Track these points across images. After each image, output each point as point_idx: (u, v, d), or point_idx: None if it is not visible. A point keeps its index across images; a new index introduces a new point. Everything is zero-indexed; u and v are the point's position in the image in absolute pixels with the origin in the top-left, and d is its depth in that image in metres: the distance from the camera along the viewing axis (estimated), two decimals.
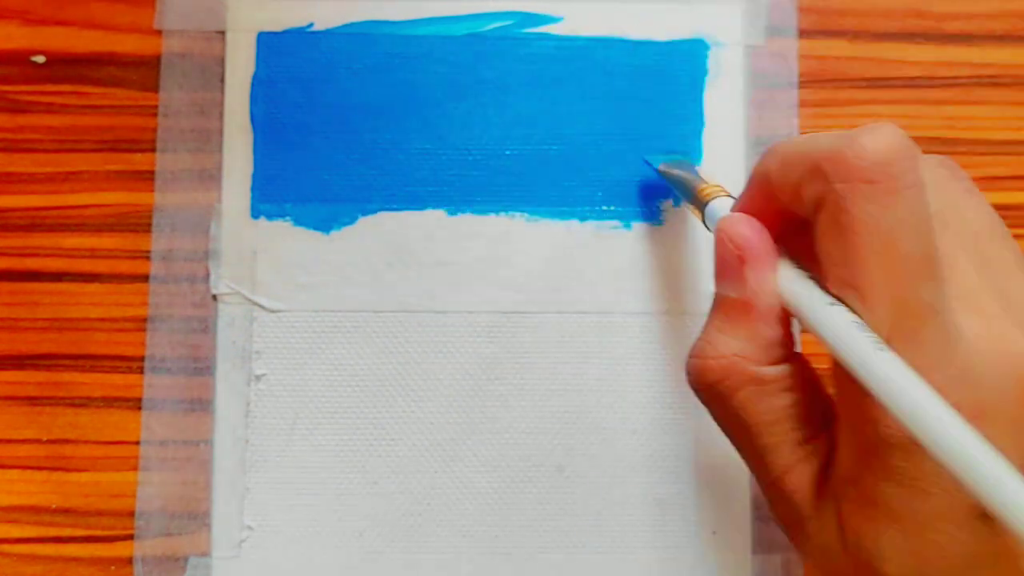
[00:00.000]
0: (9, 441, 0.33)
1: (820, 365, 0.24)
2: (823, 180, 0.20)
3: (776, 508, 0.23)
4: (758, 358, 0.22)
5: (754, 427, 0.22)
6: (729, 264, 0.22)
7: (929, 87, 0.35)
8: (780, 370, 0.22)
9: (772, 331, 0.22)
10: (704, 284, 0.34)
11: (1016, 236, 0.35)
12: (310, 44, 0.34)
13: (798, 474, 0.22)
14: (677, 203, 0.34)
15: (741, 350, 0.22)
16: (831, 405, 0.23)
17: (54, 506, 0.33)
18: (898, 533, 0.20)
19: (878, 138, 0.20)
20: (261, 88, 0.34)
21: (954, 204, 0.23)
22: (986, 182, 0.35)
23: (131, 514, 0.33)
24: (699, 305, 0.34)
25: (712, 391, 0.23)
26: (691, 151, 0.34)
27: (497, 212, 0.34)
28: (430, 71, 0.34)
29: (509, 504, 0.33)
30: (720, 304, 0.23)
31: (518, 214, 0.34)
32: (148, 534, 0.33)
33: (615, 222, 0.34)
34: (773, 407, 0.22)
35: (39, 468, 0.33)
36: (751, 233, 0.22)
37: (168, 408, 0.33)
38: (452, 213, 0.34)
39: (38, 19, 0.35)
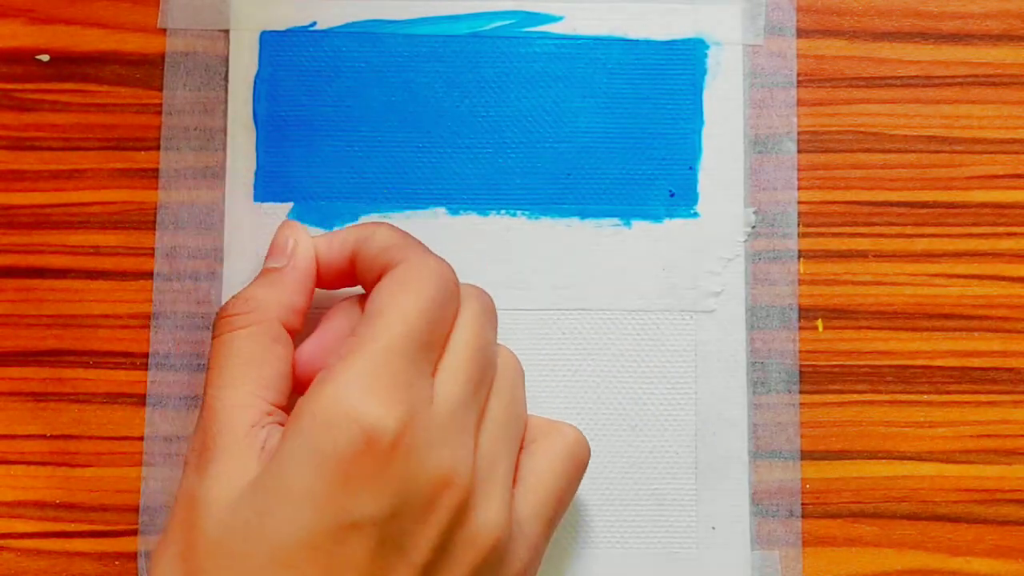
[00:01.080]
0: (14, 437, 0.34)
1: None
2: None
3: (204, 433, 0.26)
4: (279, 313, 0.28)
5: (234, 360, 0.26)
6: (281, 247, 0.29)
7: (927, 86, 0.35)
8: (283, 333, 0.28)
9: (297, 299, 0.28)
10: (704, 281, 0.34)
11: (1012, 235, 0.35)
12: (313, 43, 0.35)
13: (238, 414, 0.25)
14: (677, 200, 0.35)
15: (269, 298, 0.28)
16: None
17: (58, 501, 0.33)
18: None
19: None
20: (264, 86, 0.34)
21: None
22: (983, 180, 0.35)
23: (135, 509, 0.33)
24: (699, 303, 0.34)
25: (226, 322, 0.27)
26: (690, 149, 0.35)
27: (498, 211, 0.34)
28: (431, 70, 0.35)
29: None
30: (265, 272, 0.29)
31: (519, 212, 0.34)
32: (152, 529, 0.33)
33: (615, 220, 0.34)
34: (260, 354, 0.27)
35: (43, 464, 0.34)
36: (302, 248, 0.29)
37: (172, 404, 0.33)
38: (453, 212, 0.34)
39: (43, 18, 0.35)
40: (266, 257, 0.29)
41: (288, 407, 0.26)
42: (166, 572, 0.24)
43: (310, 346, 0.28)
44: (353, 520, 0.23)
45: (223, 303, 0.29)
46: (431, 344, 0.25)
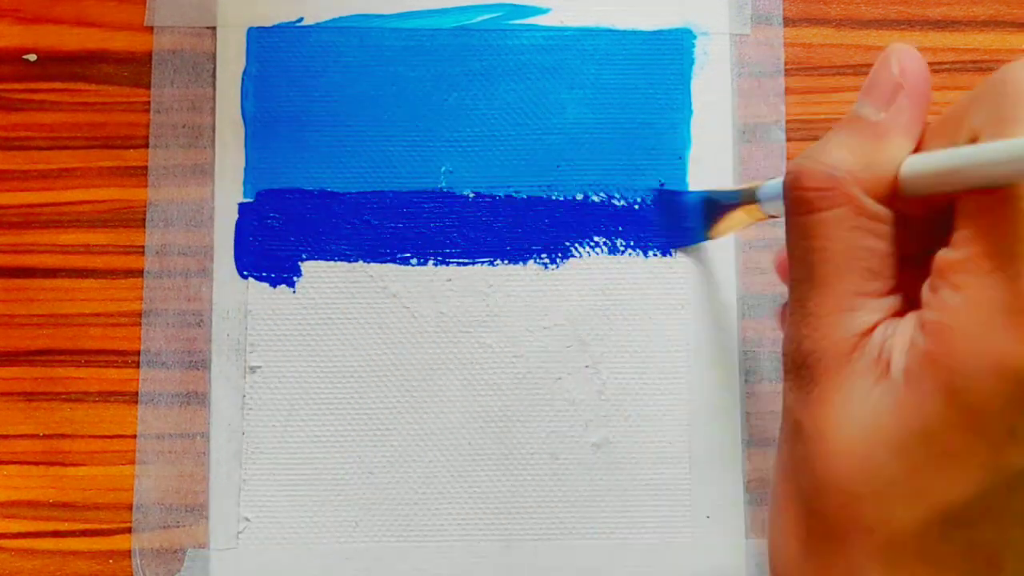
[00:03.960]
0: (6, 437, 0.34)
1: None
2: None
3: (803, 344, 0.21)
4: (868, 187, 0.20)
5: (827, 253, 0.20)
6: (883, 84, 0.21)
7: None
8: (882, 210, 0.20)
9: (893, 167, 0.20)
10: (695, 271, 0.34)
11: None
12: (300, 39, 0.35)
13: (848, 320, 0.20)
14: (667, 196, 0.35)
15: (855, 170, 0.20)
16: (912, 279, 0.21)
17: (52, 501, 0.33)
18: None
19: None
20: (252, 83, 0.34)
21: None
22: None
23: (129, 507, 0.33)
24: (689, 293, 0.34)
25: (804, 199, 0.21)
26: (679, 139, 0.35)
27: (489, 200, 0.34)
28: (419, 64, 0.35)
29: (505, 492, 0.33)
30: (852, 120, 0.21)
31: (510, 198, 0.34)
32: (146, 527, 0.33)
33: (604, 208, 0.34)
34: (857, 243, 0.20)
35: (36, 463, 0.33)
36: (922, 71, 0.21)
37: (164, 402, 0.33)
38: (443, 204, 0.34)
39: (30, 17, 0.35)
40: (860, 94, 0.22)
41: (898, 285, 0.21)
42: (788, 518, 0.20)
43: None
44: (1021, 470, 0.18)
45: (790, 164, 0.21)
46: None
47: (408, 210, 0.34)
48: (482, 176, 0.34)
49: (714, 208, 0.32)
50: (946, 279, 0.19)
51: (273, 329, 0.34)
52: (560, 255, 0.34)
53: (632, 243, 0.34)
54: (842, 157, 0.21)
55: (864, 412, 0.19)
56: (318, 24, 0.35)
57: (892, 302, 0.20)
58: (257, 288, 0.34)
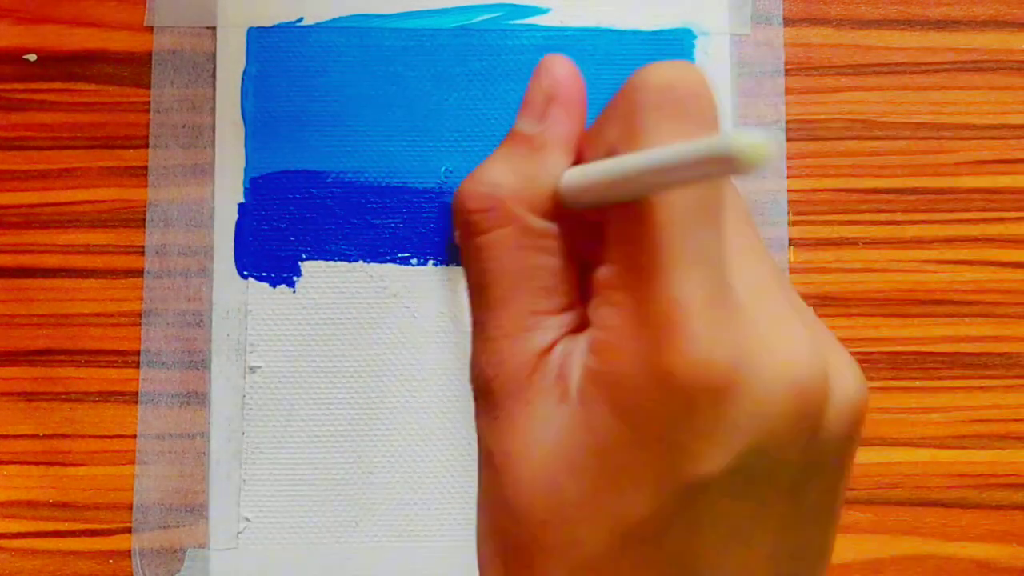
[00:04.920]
0: (6, 437, 0.34)
1: None
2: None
3: (485, 370, 0.20)
4: (530, 203, 0.20)
5: (496, 274, 0.20)
6: (537, 98, 0.21)
7: (914, 73, 0.36)
8: (547, 226, 0.20)
9: (552, 181, 0.20)
10: None
11: (1002, 220, 0.35)
12: (300, 39, 0.35)
13: (524, 341, 0.19)
14: None
15: (515, 188, 0.20)
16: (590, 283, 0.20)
17: (52, 501, 0.33)
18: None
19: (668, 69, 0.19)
20: (252, 83, 0.34)
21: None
22: (972, 166, 0.35)
23: (129, 507, 0.33)
24: None
25: (468, 221, 0.20)
26: None
27: None
28: (419, 64, 0.35)
29: None
30: (511, 137, 0.21)
31: None
32: (146, 527, 0.33)
33: None
34: (526, 262, 0.20)
35: (36, 463, 0.33)
36: (571, 78, 0.21)
37: (164, 402, 0.33)
38: (444, 204, 0.34)
39: (30, 17, 0.35)
40: (519, 112, 0.22)
41: (576, 299, 0.20)
42: (486, 552, 0.20)
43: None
44: (695, 482, 0.18)
45: (459, 191, 0.21)
46: None
47: (408, 210, 0.34)
48: None
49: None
50: (603, 296, 0.18)
51: (273, 329, 0.34)
52: None
53: None
54: (502, 175, 0.20)
55: (546, 435, 0.19)
56: (318, 24, 0.35)
57: (570, 318, 0.20)
58: (257, 288, 0.34)
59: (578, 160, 0.20)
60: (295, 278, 0.34)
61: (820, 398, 0.18)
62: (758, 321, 0.18)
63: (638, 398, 0.17)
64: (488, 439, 0.20)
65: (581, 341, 0.19)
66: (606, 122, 0.19)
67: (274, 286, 0.34)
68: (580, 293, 0.20)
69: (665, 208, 0.17)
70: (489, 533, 0.20)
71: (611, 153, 0.18)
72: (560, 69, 0.21)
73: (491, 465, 0.20)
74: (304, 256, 0.34)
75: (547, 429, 0.19)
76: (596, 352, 0.18)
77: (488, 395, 0.20)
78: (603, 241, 0.19)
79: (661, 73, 0.18)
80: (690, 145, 0.15)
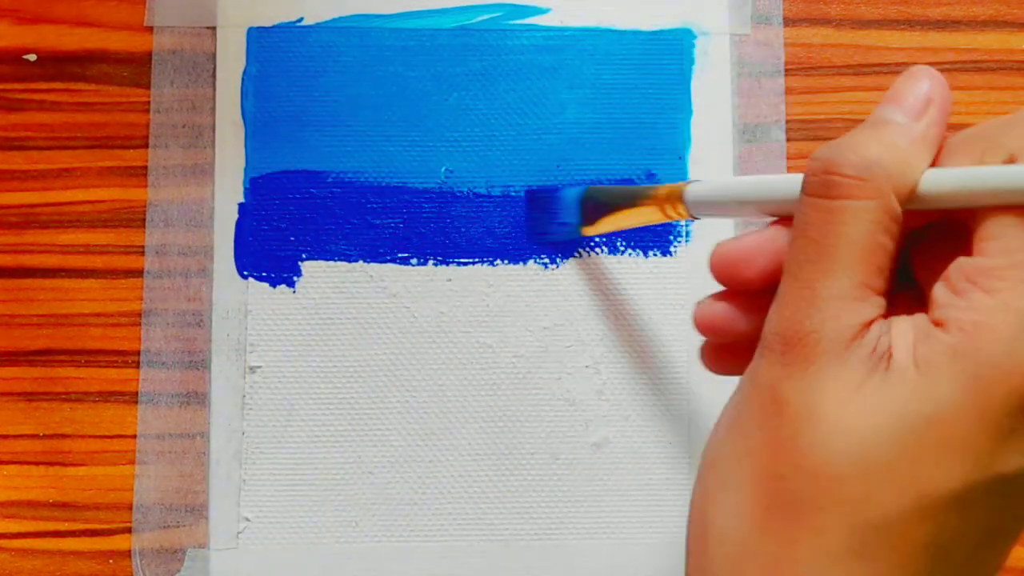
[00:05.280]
0: (6, 437, 0.34)
1: None
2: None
3: (804, 323, 0.21)
4: (897, 187, 0.21)
5: (847, 239, 0.20)
6: (914, 96, 0.22)
7: None
8: (900, 214, 0.21)
9: (918, 175, 0.21)
10: (695, 272, 0.34)
11: None
12: (300, 39, 0.35)
13: (853, 309, 0.21)
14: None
15: (892, 169, 0.21)
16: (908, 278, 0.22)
17: (52, 501, 0.33)
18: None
19: None
20: (252, 83, 0.34)
21: None
22: None
23: (129, 507, 0.33)
24: (689, 293, 0.34)
25: (836, 184, 0.21)
26: (679, 139, 0.35)
27: (489, 199, 0.34)
28: (419, 64, 0.35)
29: (504, 492, 0.33)
30: (884, 123, 0.22)
31: (510, 198, 0.34)
32: (146, 527, 0.33)
33: None
34: (877, 237, 0.21)
35: (36, 463, 0.33)
36: (948, 93, 0.22)
37: (164, 402, 0.33)
38: (443, 204, 0.34)
39: (29, 17, 0.35)
40: (885, 102, 0.23)
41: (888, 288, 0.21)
42: (742, 487, 0.21)
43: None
44: (1008, 472, 0.19)
45: (820, 151, 0.22)
46: None
47: (408, 210, 0.34)
48: (482, 176, 0.34)
49: (592, 206, 0.32)
50: (977, 283, 0.19)
51: (273, 329, 0.34)
52: (560, 255, 0.34)
53: (632, 243, 0.34)
54: (880, 153, 0.21)
55: (861, 397, 0.20)
56: (318, 24, 0.35)
57: (884, 302, 0.21)
58: (257, 288, 0.34)
59: (932, 165, 0.22)
60: (295, 278, 0.34)
61: None
62: None
63: (1002, 377, 0.19)
64: (786, 389, 0.20)
65: (908, 323, 0.21)
66: (1007, 129, 0.20)
67: (274, 286, 0.34)
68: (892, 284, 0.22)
69: None
70: (752, 481, 0.21)
71: (1011, 160, 0.20)
72: (938, 78, 0.22)
73: (784, 415, 0.20)
74: (304, 256, 0.34)
75: (861, 393, 0.20)
76: (960, 329, 0.19)
77: (799, 347, 0.21)
78: (972, 233, 0.20)
79: None
80: None
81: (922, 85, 0.22)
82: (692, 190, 0.26)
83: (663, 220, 0.29)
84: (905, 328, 0.20)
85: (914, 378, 0.19)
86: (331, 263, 0.34)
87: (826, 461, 0.19)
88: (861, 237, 0.20)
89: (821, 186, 0.21)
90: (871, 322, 0.21)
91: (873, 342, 0.20)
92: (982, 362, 0.19)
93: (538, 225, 0.34)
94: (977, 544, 0.20)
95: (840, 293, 0.20)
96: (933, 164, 0.22)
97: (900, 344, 0.20)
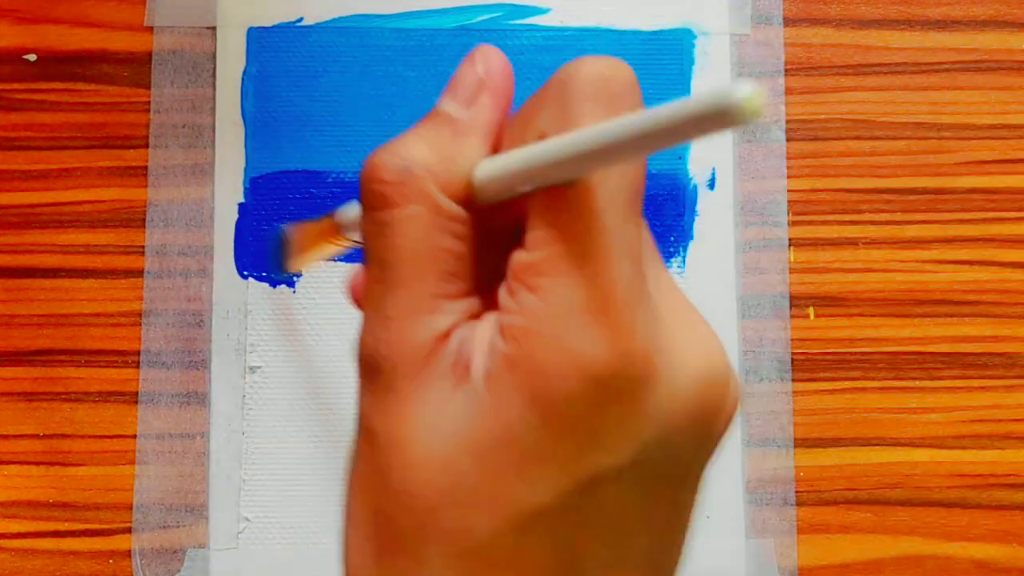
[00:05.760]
0: (7, 436, 0.34)
1: None
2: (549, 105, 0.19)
3: (378, 348, 0.20)
4: (445, 185, 0.19)
5: (401, 252, 0.19)
6: (467, 82, 0.20)
7: (914, 73, 0.36)
8: (459, 210, 0.19)
9: (469, 166, 0.19)
10: (701, 276, 0.34)
11: (1002, 220, 0.35)
12: (300, 39, 0.35)
13: (423, 323, 0.19)
14: None
15: (432, 166, 0.19)
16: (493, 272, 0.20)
17: (52, 501, 0.33)
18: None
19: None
20: (252, 83, 0.34)
21: None
22: (972, 166, 0.35)
23: (129, 507, 0.33)
24: (688, 294, 0.34)
25: (379, 193, 0.19)
26: None
27: None
28: (419, 64, 0.35)
29: None
30: (433, 116, 0.20)
31: None
32: (146, 527, 0.33)
33: None
34: (434, 243, 0.19)
35: (37, 463, 0.33)
36: (505, 70, 0.21)
37: (164, 402, 0.33)
38: None
39: (30, 17, 0.35)
40: (443, 92, 0.21)
41: (474, 287, 0.20)
42: (356, 536, 0.20)
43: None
44: (601, 470, 0.18)
45: (371, 160, 0.20)
46: None
47: None
48: None
49: (288, 239, 0.30)
50: (523, 281, 0.18)
51: (273, 329, 0.34)
52: None
53: None
54: (420, 151, 0.19)
55: (443, 419, 0.18)
56: (318, 24, 0.35)
57: (469, 304, 0.20)
58: (257, 288, 0.34)
59: (495, 151, 0.20)
60: (295, 278, 0.34)
61: (723, 396, 0.19)
62: (669, 317, 0.18)
63: (554, 384, 0.17)
64: (374, 419, 0.19)
65: (484, 326, 0.19)
66: (533, 111, 0.19)
67: (274, 286, 0.34)
68: (479, 281, 0.20)
69: (601, 197, 0.17)
70: (363, 517, 0.20)
71: (542, 138, 0.18)
72: (495, 59, 0.21)
73: (375, 445, 0.19)
74: None
75: (443, 414, 0.18)
76: (511, 337, 0.18)
77: (378, 374, 0.19)
78: (523, 228, 0.19)
79: (595, 66, 0.18)
80: (685, 101, 0.15)
81: (475, 69, 0.20)
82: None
83: (335, 244, 0.27)
84: (483, 332, 0.19)
85: (483, 395, 0.18)
86: (331, 263, 0.34)
87: (417, 492, 0.18)
88: (413, 245, 0.19)
89: (367, 198, 0.20)
90: (449, 332, 0.19)
91: (454, 354, 0.19)
92: (535, 371, 0.17)
93: (267, 260, 0.34)
94: (608, 543, 0.19)
95: (405, 310, 0.19)
96: (496, 151, 0.20)
97: (476, 352, 0.19)
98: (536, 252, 0.18)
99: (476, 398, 0.18)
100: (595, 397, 0.17)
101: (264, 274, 0.34)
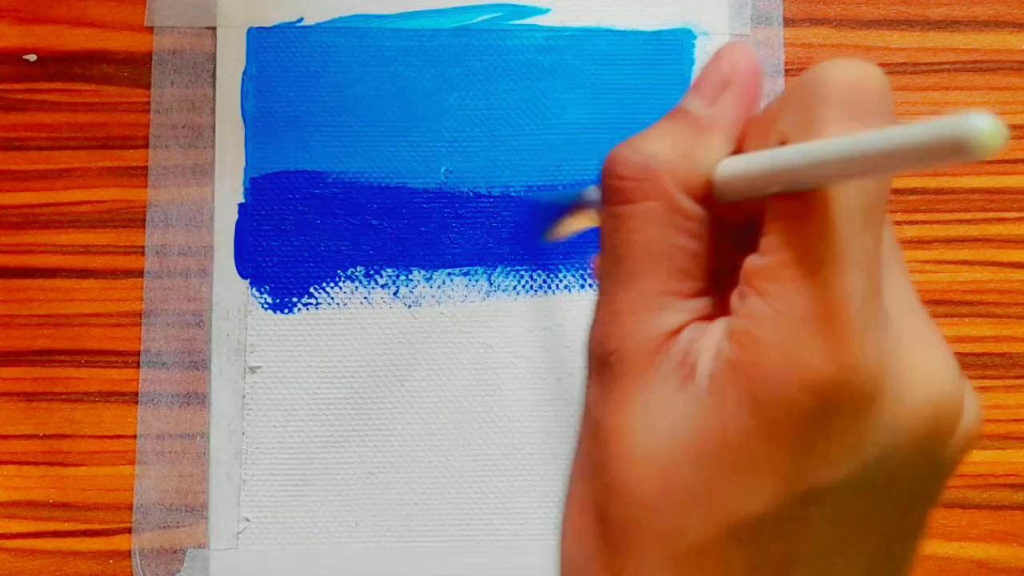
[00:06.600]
0: (6, 437, 0.34)
1: None
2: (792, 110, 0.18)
3: (606, 342, 0.20)
4: (684, 182, 0.19)
5: (636, 247, 0.19)
6: (711, 81, 0.20)
7: (914, 73, 0.36)
8: (696, 209, 0.19)
9: (710, 165, 0.19)
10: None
11: (1003, 221, 0.35)
12: (300, 39, 0.35)
13: (652, 320, 0.19)
14: None
15: (672, 163, 0.19)
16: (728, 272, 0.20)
17: (52, 501, 0.33)
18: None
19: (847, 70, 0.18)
20: (252, 83, 0.34)
21: None
22: (972, 166, 0.35)
23: (129, 508, 0.33)
24: None
25: (618, 188, 0.19)
26: None
27: (489, 199, 0.34)
28: (419, 64, 0.35)
29: (504, 492, 0.33)
30: (676, 113, 0.20)
31: (510, 198, 0.34)
32: (146, 527, 0.33)
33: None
34: (668, 241, 0.19)
35: (36, 463, 0.33)
36: (752, 68, 0.20)
37: (164, 402, 0.33)
38: (443, 204, 0.34)
39: (30, 17, 0.35)
40: (689, 89, 0.20)
41: (708, 287, 0.20)
42: (581, 524, 0.20)
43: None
44: (821, 484, 0.18)
45: (612, 155, 0.20)
46: None
47: (408, 210, 0.34)
48: (482, 176, 0.34)
49: (547, 213, 0.31)
50: (753, 286, 0.18)
51: (273, 329, 0.34)
52: (561, 258, 0.34)
53: None
54: (660, 148, 0.19)
55: (664, 417, 0.18)
56: (318, 24, 0.35)
57: (702, 304, 0.19)
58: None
59: (738, 151, 0.20)
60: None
61: (954, 419, 0.18)
62: (903, 334, 0.18)
63: (777, 393, 0.17)
64: (599, 411, 0.19)
65: (715, 329, 0.19)
66: (778, 112, 0.18)
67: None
68: (713, 282, 0.20)
69: (839, 205, 0.17)
70: (580, 507, 0.20)
71: (783, 142, 0.18)
72: (741, 57, 0.20)
73: (598, 438, 0.19)
74: (305, 255, 0.34)
75: (665, 412, 0.18)
76: (738, 341, 0.18)
77: (605, 367, 0.19)
78: (759, 231, 0.18)
79: (846, 70, 0.18)
80: (916, 127, 0.15)
81: (720, 66, 0.20)
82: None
83: (582, 222, 0.28)
84: (713, 334, 0.19)
85: (705, 397, 0.18)
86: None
87: (633, 489, 0.18)
88: (648, 241, 0.19)
89: (606, 192, 0.20)
90: (679, 330, 0.19)
91: (682, 353, 0.19)
92: (759, 378, 0.17)
93: (523, 236, 0.34)
94: (821, 558, 0.18)
95: (637, 305, 0.19)
96: (739, 149, 0.20)
97: (703, 354, 0.19)
98: (768, 257, 0.18)
99: (698, 400, 0.18)
100: (817, 410, 0.17)
101: (262, 289, 0.34)
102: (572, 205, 0.29)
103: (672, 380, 0.19)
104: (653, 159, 0.19)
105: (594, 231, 0.33)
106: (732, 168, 0.19)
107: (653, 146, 0.19)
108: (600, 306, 0.20)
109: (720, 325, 0.19)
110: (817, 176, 0.17)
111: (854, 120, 0.17)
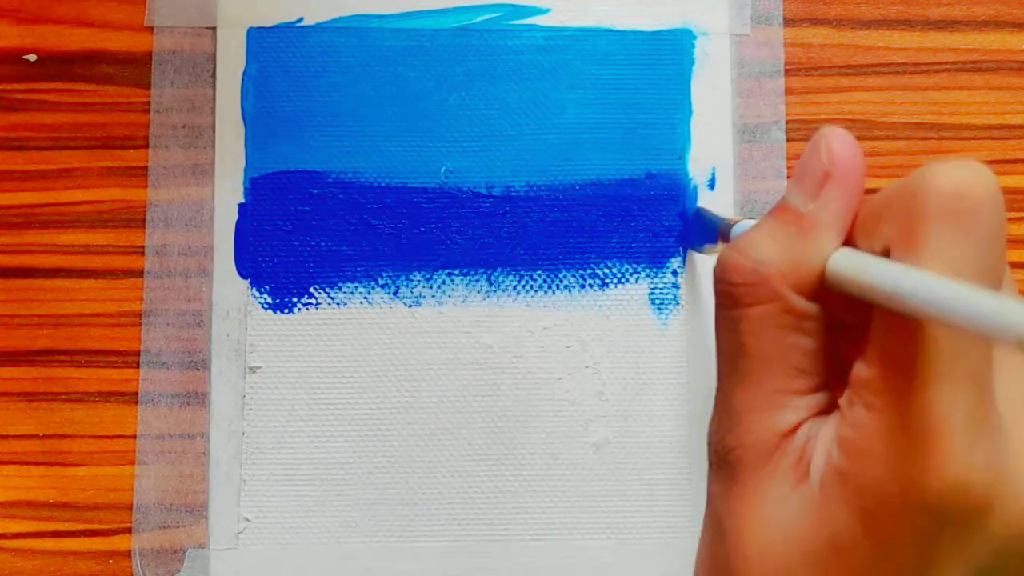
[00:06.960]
0: (6, 437, 0.34)
1: None
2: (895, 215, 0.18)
3: (726, 439, 0.20)
4: (795, 283, 0.19)
5: (751, 349, 0.19)
6: (811, 172, 0.20)
7: (914, 73, 0.36)
8: (809, 307, 0.19)
9: (820, 261, 0.19)
10: (695, 268, 0.34)
11: None
12: (300, 39, 0.35)
13: (770, 419, 0.19)
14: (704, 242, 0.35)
15: (782, 266, 0.19)
16: (842, 369, 0.20)
17: (52, 501, 0.33)
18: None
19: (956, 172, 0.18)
20: (252, 83, 0.34)
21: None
22: None
23: (128, 508, 0.33)
24: (689, 293, 0.34)
25: (731, 293, 0.20)
26: (679, 139, 0.35)
27: (489, 199, 0.34)
28: (419, 64, 0.35)
29: (504, 492, 0.33)
30: (781, 210, 0.20)
31: (510, 198, 0.34)
32: (146, 527, 0.33)
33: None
34: (783, 341, 0.19)
35: (36, 463, 0.33)
36: (852, 155, 0.20)
37: (164, 402, 0.33)
38: (443, 204, 0.34)
39: (30, 17, 0.35)
40: (790, 183, 0.20)
41: (825, 381, 0.20)
42: None
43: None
44: None
45: (720, 255, 0.20)
46: None
47: (408, 210, 0.34)
48: (482, 176, 0.34)
49: (707, 232, 0.32)
50: (859, 396, 0.18)
51: (273, 329, 0.34)
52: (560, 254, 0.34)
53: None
54: (769, 251, 0.19)
55: (781, 515, 0.19)
56: (318, 24, 0.35)
57: (819, 399, 0.20)
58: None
59: (849, 238, 0.20)
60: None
61: None
62: (1014, 439, 0.18)
63: (884, 507, 0.17)
64: (719, 504, 0.20)
65: (828, 427, 0.19)
66: (885, 213, 0.19)
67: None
68: (831, 375, 0.20)
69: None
70: None
71: (885, 250, 0.18)
72: (839, 145, 0.20)
73: (720, 530, 0.20)
74: (305, 255, 0.34)
75: (782, 510, 0.19)
76: (845, 451, 0.18)
77: (725, 464, 0.20)
78: (867, 336, 0.18)
79: (952, 176, 0.17)
80: (984, 302, 0.15)
81: (819, 155, 0.20)
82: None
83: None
84: (827, 433, 0.19)
85: (817, 499, 0.18)
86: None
87: None
88: (762, 343, 0.19)
89: (719, 297, 0.20)
90: (796, 427, 0.19)
91: (799, 450, 0.19)
92: (863, 488, 0.17)
93: (688, 237, 0.34)
94: None
95: (755, 404, 0.19)
96: (849, 239, 0.20)
97: (818, 452, 0.19)
98: (873, 368, 0.18)
99: (812, 502, 0.18)
100: (923, 524, 0.17)
101: (262, 289, 0.34)
102: (721, 234, 0.29)
103: (789, 479, 0.19)
104: (762, 264, 0.19)
105: (594, 231, 0.33)
106: (841, 265, 0.19)
107: (761, 250, 0.19)
108: (718, 403, 0.20)
109: (831, 427, 0.19)
110: (913, 312, 0.17)
111: (957, 232, 0.17)
